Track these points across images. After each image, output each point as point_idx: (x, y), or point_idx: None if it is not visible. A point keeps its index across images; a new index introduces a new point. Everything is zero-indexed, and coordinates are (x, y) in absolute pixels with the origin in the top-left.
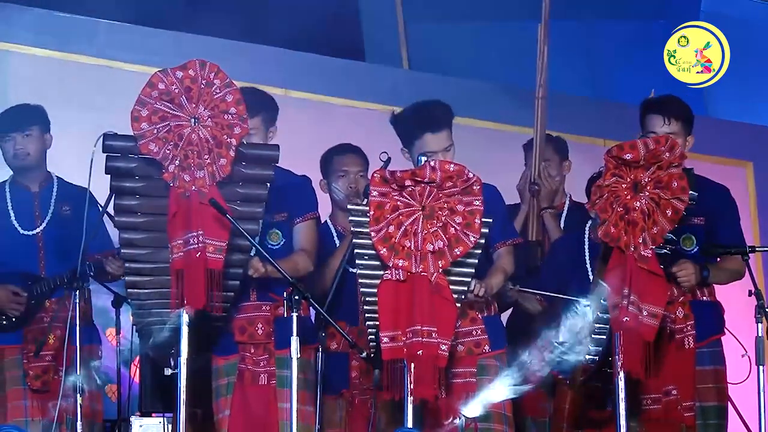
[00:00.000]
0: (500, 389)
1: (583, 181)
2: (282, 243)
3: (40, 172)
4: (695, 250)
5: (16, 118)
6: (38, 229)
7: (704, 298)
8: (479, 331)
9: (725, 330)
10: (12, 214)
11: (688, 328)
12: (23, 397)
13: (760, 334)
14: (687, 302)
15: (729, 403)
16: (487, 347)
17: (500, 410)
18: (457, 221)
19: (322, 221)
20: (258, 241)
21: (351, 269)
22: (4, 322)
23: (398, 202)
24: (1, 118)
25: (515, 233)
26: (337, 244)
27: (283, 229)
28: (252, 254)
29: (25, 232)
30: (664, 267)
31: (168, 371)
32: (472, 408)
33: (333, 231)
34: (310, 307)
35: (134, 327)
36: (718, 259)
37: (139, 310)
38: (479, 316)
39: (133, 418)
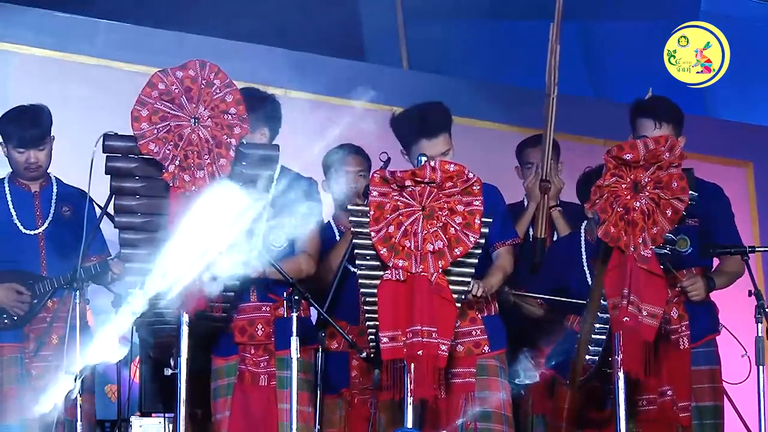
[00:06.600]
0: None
1: None
2: (285, 245)
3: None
4: (690, 251)
5: (30, 131)
6: (40, 229)
7: None
8: (479, 332)
9: (720, 330)
10: (13, 213)
11: (683, 328)
12: (20, 396)
13: (760, 334)
14: (681, 302)
15: (727, 402)
16: (486, 347)
17: (500, 410)
18: (457, 221)
19: (325, 221)
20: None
21: (352, 268)
22: (6, 321)
23: (398, 203)
24: (9, 121)
25: (515, 233)
26: None
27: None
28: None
29: (27, 232)
30: (667, 271)
31: (168, 371)
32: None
33: (335, 230)
34: (310, 308)
35: (134, 327)
36: (715, 260)
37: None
38: (479, 316)
39: (133, 418)
